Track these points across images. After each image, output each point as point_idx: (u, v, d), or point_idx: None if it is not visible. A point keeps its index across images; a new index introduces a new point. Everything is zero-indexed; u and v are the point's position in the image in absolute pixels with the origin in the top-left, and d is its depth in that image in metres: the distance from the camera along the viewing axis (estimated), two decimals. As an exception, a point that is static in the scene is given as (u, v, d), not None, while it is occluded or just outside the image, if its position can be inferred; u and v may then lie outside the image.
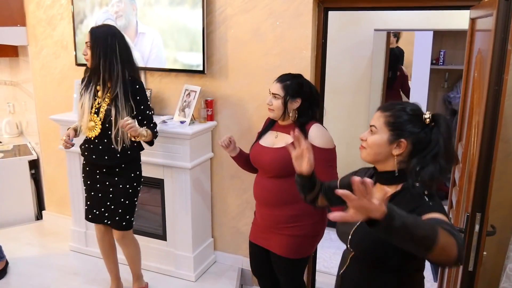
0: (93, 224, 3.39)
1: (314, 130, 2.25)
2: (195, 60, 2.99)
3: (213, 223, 3.35)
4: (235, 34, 2.94)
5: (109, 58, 2.44)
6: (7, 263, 3.23)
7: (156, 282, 3.08)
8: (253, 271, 2.62)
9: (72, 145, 2.60)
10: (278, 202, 2.30)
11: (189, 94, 3.03)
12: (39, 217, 4.18)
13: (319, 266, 3.32)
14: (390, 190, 1.51)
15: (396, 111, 1.48)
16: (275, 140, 2.33)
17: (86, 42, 2.48)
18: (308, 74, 2.79)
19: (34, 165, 4.10)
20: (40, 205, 4.22)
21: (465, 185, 2.08)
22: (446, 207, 2.64)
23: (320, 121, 2.86)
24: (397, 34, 4.99)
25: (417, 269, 1.55)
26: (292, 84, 2.25)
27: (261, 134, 2.43)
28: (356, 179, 1.12)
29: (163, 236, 3.18)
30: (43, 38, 3.63)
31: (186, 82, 3.12)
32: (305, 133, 2.22)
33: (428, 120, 1.45)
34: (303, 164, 1.70)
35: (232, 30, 2.94)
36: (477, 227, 1.71)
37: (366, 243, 1.48)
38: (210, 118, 3.08)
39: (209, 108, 3.06)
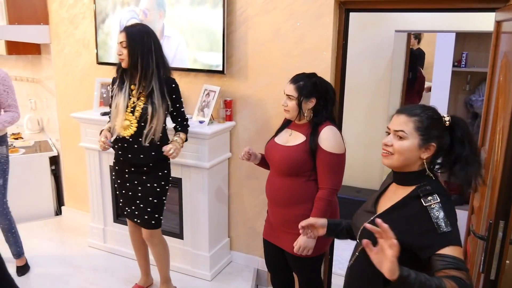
0: (110, 221, 3.46)
1: (326, 132, 2.22)
2: (215, 60, 2.99)
3: (230, 223, 3.36)
4: (255, 34, 2.93)
5: (145, 57, 2.44)
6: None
7: (172, 280, 3.09)
8: (268, 267, 2.65)
9: (110, 146, 2.57)
10: (288, 202, 2.30)
11: (208, 94, 3.04)
12: (58, 212, 4.25)
13: (335, 268, 3.30)
14: (403, 191, 1.55)
15: (422, 115, 1.50)
16: (289, 138, 2.34)
17: (120, 42, 2.45)
18: (328, 75, 2.78)
19: (54, 161, 4.17)
20: (60, 201, 4.28)
21: (488, 191, 2.04)
22: (465, 212, 2.61)
23: (339, 121, 2.87)
24: (418, 36, 4.92)
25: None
26: (305, 84, 2.23)
27: (278, 131, 2.44)
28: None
29: (180, 235, 3.20)
30: (65, 37, 3.68)
31: (206, 82, 3.13)
32: (317, 134, 2.22)
33: (448, 122, 1.51)
34: (318, 231, 1.73)
35: (253, 31, 2.93)
36: (500, 235, 1.68)
37: (374, 237, 1.47)
38: (229, 118, 3.08)
39: (228, 108, 3.06)
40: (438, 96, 4.28)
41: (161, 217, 2.73)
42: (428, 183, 1.50)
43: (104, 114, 3.21)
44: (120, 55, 2.47)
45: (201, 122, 2.99)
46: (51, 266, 3.29)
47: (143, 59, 2.44)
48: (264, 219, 2.55)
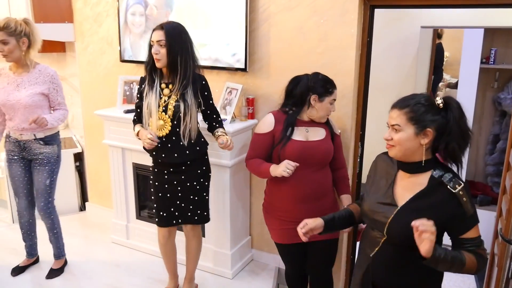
0: (133, 217, 3.48)
1: (332, 121, 2.57)
2: (237, 58, 2.97)
3: (251, 221, 3.35)
4: (278, 32, 2.90)
5: (184, 56, 2.42)
6: (65, 262, 3.30)
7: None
8: (296, 271, 2.69)
9: (158, 141, 2.50)
10: (324, 191, 2.48)
11: (230, 92, 3.02)
12: (82, 208, 4.31)
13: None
14: (416, 180, 1.66)
15: (413, 105, 1.62)
16: (307, 134, 2.43)
17: (158, 41, 2.39)
18: (352, 73, 2.73)
19: (78, 157, 4.22)
20: (84, 197, 4.34)
21: (518, 194, 1.97)
22: (493, 213, 2.54)
23: (363, 119, 2.92)
24: (438, 31, 4.80)
25: None
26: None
27: (287, 131, 2.41)
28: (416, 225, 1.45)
29: (202, 233, 3.20)
30: (90, 35, 3.71)
31: (228, 80, 3.11)
32: (329, 121, 2.53)
33: (441, 105, 1.60)
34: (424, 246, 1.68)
35: (275, 28, 2.90)
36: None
37: (404, 232, 1.59)
38: (251, 116, 3.07)
39: (250, 106, 3.04)
40: (465, 93, 4.17)
41: (205, 213, 2.72)
42: (442, 169, 1.64)
43: (128, 112, 3.23)
44: (156, 54, 2.40)
45: (223, 120, 2.98)
46: (75, 261, 3.34)
47: (182, 57, 2.41)
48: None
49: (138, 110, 2.64)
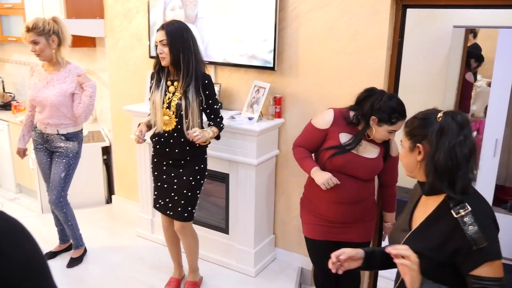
0: (158, 212, 3.51)
1: (394, 141, 2.45)
2: (265, 56, 2.96)
3: (275, 220, 3.34)
4: (307, 31, 2.88)
5: (186, 54, 2.48)
6: (85, 251, 3.38)
7: (216, 274, 3.12)
8: (324, 271, 2.62)
9: (144, 140, 2.65)
10: (363, 198, 2.46)
11: (258, 90, 3.02)
12: (108, 201, 4.38)
13: (379, 282, 3.22)
14: (432, 202, 1.49)
15: (410, 120, 1.55)
16: (359, 147, 2.38)
17: (160, 41, 2.48)
18: (382, 74, 2.69)
19: (106, 151, 4.29)
20: (110, 190, 4.41)
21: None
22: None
23: None
24: (473, 29, 4.67)
25: None
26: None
27: (354, 145, 2.35)
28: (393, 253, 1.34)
29: (225, 230, 3.22)
30: (120, 31, 3.76)
31: (256, 78, 3.11)
32: (388, 144, 2.44)
33: (440, 118, 1.45)
34: (351, 264, 1.63)
35: (305, 27, 2.88)
36: None
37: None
38: (278, 115, 3.06)
39: (277, 105, 3.03)
40: (498, 94, 4.05)
41: (194, 210, 2.75)
42: (453, 192, 1.40)
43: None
44: (161, 53, 2.50)
45: (250, 118, 2.98)
46: (101, 253, 3.40)
47: (184, 55, 2.48)
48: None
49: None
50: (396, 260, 1.35)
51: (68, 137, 3.06)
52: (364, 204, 2.47)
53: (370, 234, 2.58)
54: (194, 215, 2.79)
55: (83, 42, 4.00)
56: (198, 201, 2.77)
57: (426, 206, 1.52)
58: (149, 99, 2.70)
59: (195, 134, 2.47)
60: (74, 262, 3.27)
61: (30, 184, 4.49)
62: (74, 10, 3.70)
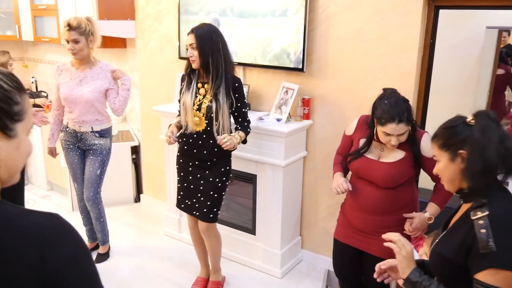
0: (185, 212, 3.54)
1: (425, 142, 2.22)
2: (295, 58, 2.96)
3: (302, 222, 3.33)
4: (337, 32, 2.86)
5: (215, 56, 2.51)
6: (109, 248, 3.46)
7: (242, 274, 3.13)
8: (337, 270, 2.62)
9: (176, 141, 2.69)
10: (387, 210, 2.28)
11: (286, 91, 3.02)
12: (137, 199, 4.45)
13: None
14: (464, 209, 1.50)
15: (441, 132, 1.50)
16: (381, 153, 2.29)
17: (190, 44, 2.52)
18: (413, 76, 2.66)
19: (135, 150, 4.36)
20: (139, 189, 4.48)
21: None
22: None
23: (423, 123, 2.81)
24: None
25: None
26: (408, 113, 2.13)
27: (365, 148, 2.31)
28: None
29: (252, 230, 3.23)
30: (150, 32, 3.81)
31: (284, 80, 3.11)
32: (417, 145, 2.23)
33: (472, 121, 1.44)
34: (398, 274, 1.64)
35: (334, 28, 2.86)
36: None
37: (432, 257, 1.51)
38: (306, 116, 3.05)
39: (305, 107, 3.02)
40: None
41: (218, 212, 2.78)
42: (488, 195, 1.38)
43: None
44: (191, 56, 2.54)
45: (278, 120, 2.98)
46: (129, 251, 3.46)
47: (213, 58, 2.51)
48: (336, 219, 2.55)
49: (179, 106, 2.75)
50: (385, 244, 1.51)
51: (101, 133, 3.14)
52: (391, 217, 2.28)
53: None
54: (218, 216, 2.80)
55: (114, 43, 4.07)
56: (222, 202, 2.79)
57: (461, 212, 1.53)
58: (179, 100, 2.74)
59: (224, 140, 2.50)
60: (102, 257, 3.35)
61: (61, 182, 4.59)
62: (106, 11, 3.76)
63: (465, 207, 1.50)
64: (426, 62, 2.71)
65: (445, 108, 4.44)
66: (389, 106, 2.12)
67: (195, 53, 2.52)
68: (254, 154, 3.02)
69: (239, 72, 3.20)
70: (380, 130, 2.17)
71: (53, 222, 0.89)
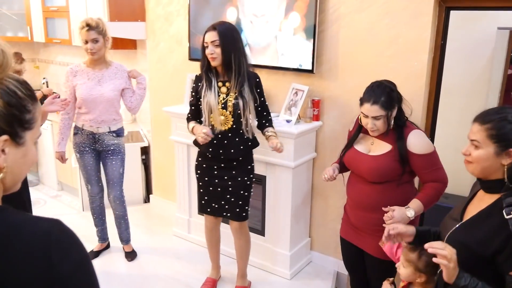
0: (195, 212, 3.56)
1: (413, 137, 2.20)
2: (304, 59, 2.96)
3: (311, 223, 3.33)
4: (347, 33, 2.86)
5: (237, 53, 2.50)
6: (108, 246, 3.50)
7: (251, 275, 3.13)
8: (346, 266, 2.67)
9: (212, 136, 2.54)
10: (375, 206, 2.26)
11: (296, 93, 3.02)
12: (146, 200, 4.47)
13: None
14: (488, 199, 1.50)
15: (497, 121, 1.44)
16: (371, 146, 2.31)
17: (212, 41, 2.47)
18: (423, 77, 2.65)
19: (144, 151, 4.38)
20: (148, 189, 4.50)
21: None
22: None
23: (433, 124, 2.79)
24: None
25: None
26: (386, 98, 2.16)
27: (354, 137, 2.39)
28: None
29: (261, 232, 3.23)
30: (160, 33, 3.83)
31: (294, 81, 3.11)
32: (403, 140, 2.20)
33: None
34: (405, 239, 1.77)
35: (345, 29, 2.86)
36: None
37: (456, 246, 1.47)
38: (316, 118, 3.04)
39: (315, 108, 3.02)
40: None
41: (249, 209, 2.79)
42: None
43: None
44: (212, 54, 2.49)
45: (288, 121, 2.98)
46: (138, 251, 3.47)
47: (235, 55, 2.49)
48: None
49: (193, 108, 2.71)
50: (434, 259, 1.41)
51: (118, 133, 3.19)
52: (380, 214, 2.21)
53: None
54: (248, 214, 2.82)
55: (124, 44, 4.10)
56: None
57: (481, 201, 1.53)
58: (192, 103, 2.70)
59: (278, 146, 2.51)
60: (133, 254, 3.41)
61: (72, 182, 4.63)
62: (117, 13, 3.79)
63: (486, 197, 1.52)
64: (437, 63, 2.70)
65: (456, 110, 4.43)
66: (370, 87, 2.21)
67: (217, 50, 2.48)
68: (263, 155, 3.02)
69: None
70: (360, 112, 2.23)
71: (58, 228, 0.89)
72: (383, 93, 2.16)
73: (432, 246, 1.40)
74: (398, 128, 2.22)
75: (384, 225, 2.01)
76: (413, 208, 2.15)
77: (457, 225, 1.55)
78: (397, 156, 2.20)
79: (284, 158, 2.95)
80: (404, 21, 2.64)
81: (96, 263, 3.31)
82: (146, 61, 4.09)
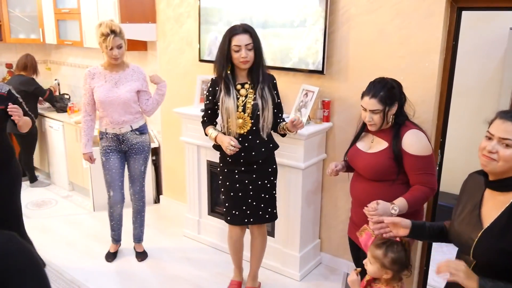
0: (205, 213, 3.57)
1: (409, 136, 2.20)
2: (314, 60, 2.96)
3: (321, 225, 3.32)
4: (357, 34, 2.85)
5: (263, 56, 2.54)
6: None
7: (261, 276, 3.12)
8: (355, 266, 2.66)
9: (240, 147, 2.54)
10: None
11: (306, 94, 3.01)
12: (156, 201, 4.49)
13: (429, 280, 3.14)
14: (506, 198, 1.49)
15: None
16: (371, 144, 2.33)
17: (246, 45, 2.44)
18: (435, 78, 2.63)
19: (155, 152, 4.40)
20: (158, 190, 4.52)
21: None
22: None
23: (444, 125, 2.76)
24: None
25: None
26: (386, 93, 2.19)
27: (357, 136, 2.43)
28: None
29: (271, 233, 3.23)
30: (171, 35, 3.85)
31: (304, 82, 3.10)
32: (399, 139, 2.21)
33: None
34: (399, 231, 1.77)
35: (355, 30, 2.85)
36: None
37: (492, 254, 1.46)
38: (326, 119, 3.04)
39: (325, 109, 3.01)
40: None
41: (274, 211, 2.78)
42: None
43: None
44: (245, 57, 2.46)
45: (298, 122, 2.97)
46: (148, 252, 3.48)
47: (262, 58, 2.53)
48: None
49: (209, 111, 2.70)
50: (449, 278, 1.45)
51: (140, 130, 3.20)
52: None
53: None
54: (276, 214, 2.81)
55: (135, 45, 4.12)
56: (276, 200, 2.80)
57: (496, 202, 1.52)
58: (207, 107, 2.68)
59: (300, 119, 2.48)
60: (143, 255, 3.43)
61: (83, 182, 4.66)
62: (128, 14, 3.81)
63: (500, 196, 1.51)
64: (449, 64, 2.68)
65: (467, 110, 4.39)
66: (372, 82, 2.24)
67: (251, 54, 2.46)
68: (273, 157, 3.02)
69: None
70: (361, 105, 2.27)
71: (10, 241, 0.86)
72: (383, 88, 2.19)
73: (443, 267, 1.46)
74: (396, 126, 2.24)
75: (365, 211, 2.06)
76: (398, 205, 2.13)
77: (483, 230, 1.51)
78: (391, 154, 2.21)
79: (294, 159, 2.95)
80: (416, 21, 2.63)
81: (105, 265, 3.34)
82: (156, 63, 4.11)
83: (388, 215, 2.07)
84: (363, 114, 2.26)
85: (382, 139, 2.27)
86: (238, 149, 2.52)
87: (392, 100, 2.20)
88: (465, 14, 2.65)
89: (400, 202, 2.15)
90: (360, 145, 2.37)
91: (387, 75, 2.74)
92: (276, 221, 3.16)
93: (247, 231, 2.93)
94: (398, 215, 2.02)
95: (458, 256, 1.68)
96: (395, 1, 2.67)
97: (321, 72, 2.95)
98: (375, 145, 2.31)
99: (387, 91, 2.19)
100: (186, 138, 3.51)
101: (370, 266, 1.89)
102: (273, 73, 3.24)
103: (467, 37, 4.03)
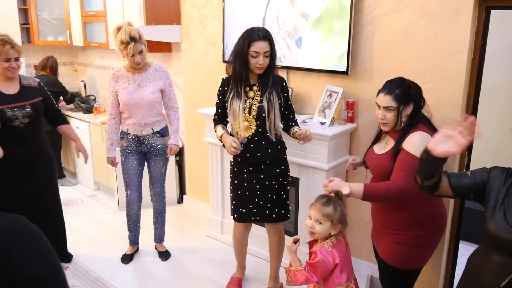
0: (228, 213, 3.58)
1: (412, 136, 2.13)
2: (339, 61, 2.94)
3: (345, 226, 3.29)
4: (383, 34, 2.82)
5: (276, 59, 2.57)
6: (137, 250, 3.53)
7: (283, 277, 3.12)
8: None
9: (241, 149, 2.60)
10: (384, 207, 2.29)
11: (330, 95, 3.00)
12: (180, 201, 4.53)
13: (455, 284, 3.08)
14: None
15: None
16: (385, 145, 2.31)
17: (265, 52, 2.46)
18: (462, 78, 2.58)
19: (179, 152, 4.43)
20: (182, 190, 4.56)
21: None
22: None
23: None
24: None
25: None
26: (402, 92, 2.15)
27: (376, 137, 2.41)
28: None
29: (294, 234, 3.22)
30: (195, 36, 3.88)
31: (328, 83, 3.09)
32: (403, 138, 2.15)
33: None
34: (445, 146, 1.62)
35: (380, 31, 2.82)
36: None
37: None
38: (350, 120, 3.02)
39: (350, 110, 2.99)
40: None
41: (283, 211, 2.77)
42: None
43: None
44: (261, 64, 2.49)
45: (322, 123, 2.96)
46: (171, 252, 3.52)
47: (275, 62, 2.56)
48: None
49: (219, 110, 2.74)
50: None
51: (161, 133, 3.24)
52: (393, 217, 2.25)
53: (398, 258, 2.27)
54: (288, 215, 2.81)
55: (160, 47, 4.17)
56: (288, 202, 2.80)
57: None
58: (219, 106, 2.72)
59: (308, 133, 2.49)
60: (167, 254, 3.48)
61: (108, 182, 4.74)
62: (153, 16, 3.86)
63: None
64: (476, 64, 2.63)
65: (496, 112, 4.30)
66: (389, 80, 2.22)
67: (267, 60, 2.49)
68: (297, 158, 3.02)
69: (283, 75, 3.21)
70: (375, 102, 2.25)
71: (20, 224, 0.86)
72: (400, 87, 2.16)
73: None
74: (407, 128, 2.18)
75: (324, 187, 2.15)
76: (351, 187, 2.11)
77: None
78: (392, 154, 2.18)
79: (318, 160, 2.93)
80: (443, 21, 2.58)
81: (130, 264, 3.38)
82: (181, 64, 4.15)
83: (340, 189, 2.12)
84: (377, 111, 2.22)
85: (394, 140, 2.22)
86: (239, 151, 2.57)
87: (407, 100, 2.15)
88: (493, 12, 2.59)
89: (356, 186, 2.13)
90: (376, 146, 2.36)
91: (413, 75, 2.71)
92: (299, 222, 3.17)
93: (264, 229, 2.94)
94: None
95: (486, 254, 1.64)
96: (421, 0, 2.63)
97: (345, 73, 2.93)
98: (387, 146, 2.28)
99: (403, 90, 2.15)
100: (209, 139, 3.53)
101: (320, 226, 2.00)
102: (297, 73, 3.26)
103: (495, 36, 3.94)
